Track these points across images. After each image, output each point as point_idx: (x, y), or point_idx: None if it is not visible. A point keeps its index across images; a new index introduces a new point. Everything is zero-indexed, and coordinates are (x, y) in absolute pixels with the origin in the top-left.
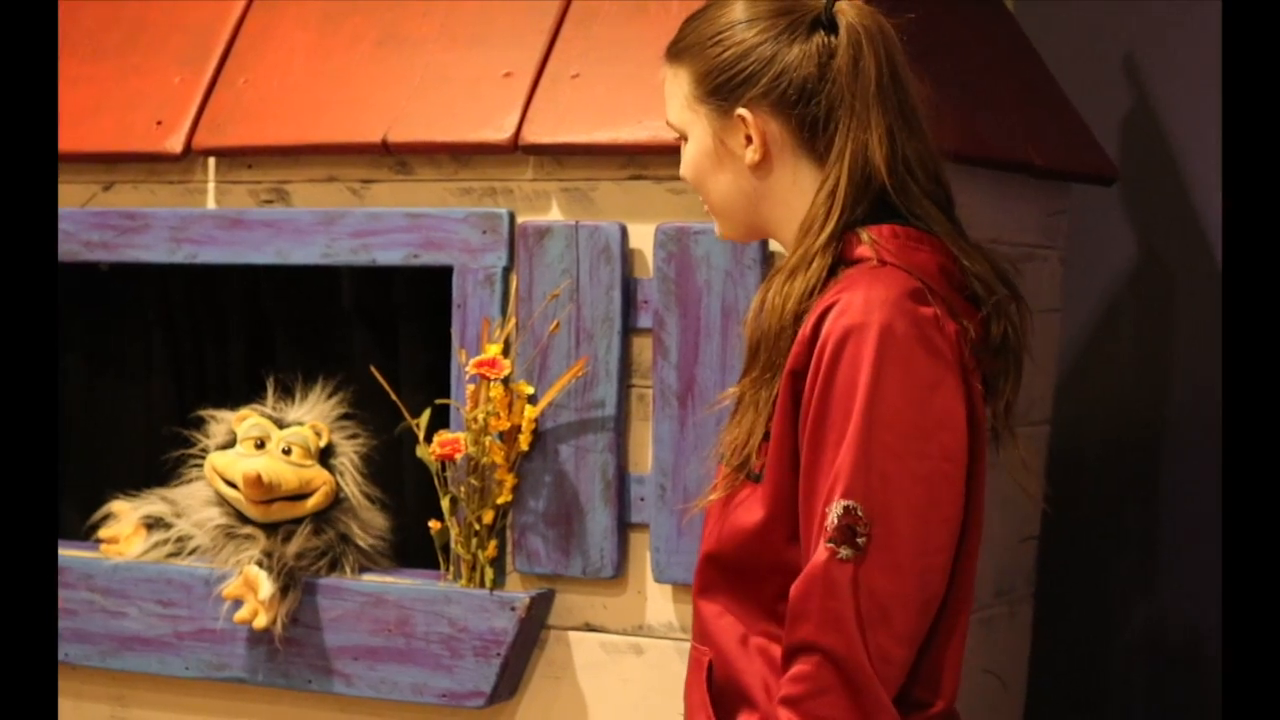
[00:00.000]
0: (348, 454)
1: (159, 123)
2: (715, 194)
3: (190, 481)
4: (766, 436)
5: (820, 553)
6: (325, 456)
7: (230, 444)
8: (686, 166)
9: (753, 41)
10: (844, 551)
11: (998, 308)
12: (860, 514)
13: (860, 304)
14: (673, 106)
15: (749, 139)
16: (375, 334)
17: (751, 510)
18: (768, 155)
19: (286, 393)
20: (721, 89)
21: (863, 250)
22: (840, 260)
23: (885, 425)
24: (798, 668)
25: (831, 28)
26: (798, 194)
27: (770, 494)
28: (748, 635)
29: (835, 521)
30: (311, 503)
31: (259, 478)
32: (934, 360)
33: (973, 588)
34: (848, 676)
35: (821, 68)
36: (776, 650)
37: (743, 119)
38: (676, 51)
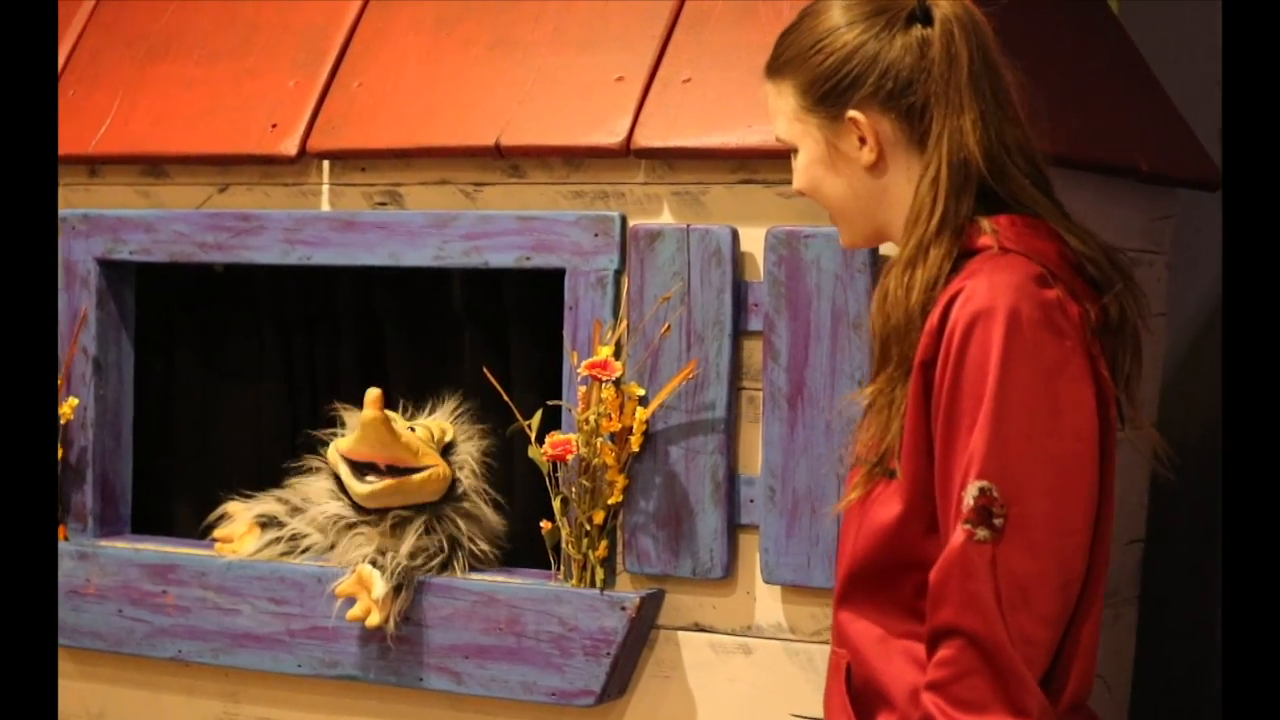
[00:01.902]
0: (469, 453)
1: (274, 125)
2: (833, 200)
3: (314, 476)
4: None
5: (958, 535)
6: (446, 454)
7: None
8: (800, 177)
9: (855, 43)
10: (981, 533)
11: (1116, 295)
12: (995, 495)
13: (985, 290)
14: (780, 122)
15: (862, 140)
16: (486, 335)
17: (889, 505)
18: (882, 154)
19: (413, 411)
20: (829, 95)
21: (984, 239)
22: (963, 251)
23: (1016, 407)
24: (942, 652)
25: (926, 20)
26: (913, 189)
27: (907, 487)
28: (887, 636)
29: (971, 503)
30: (421, 476)
31: (379, 397)
32: (1060, 342)
33: (1105, 573)
34: (990, 658)
35: (919, 59)
36: (918, 648)
37: (855, 121)
38: (777, 67)
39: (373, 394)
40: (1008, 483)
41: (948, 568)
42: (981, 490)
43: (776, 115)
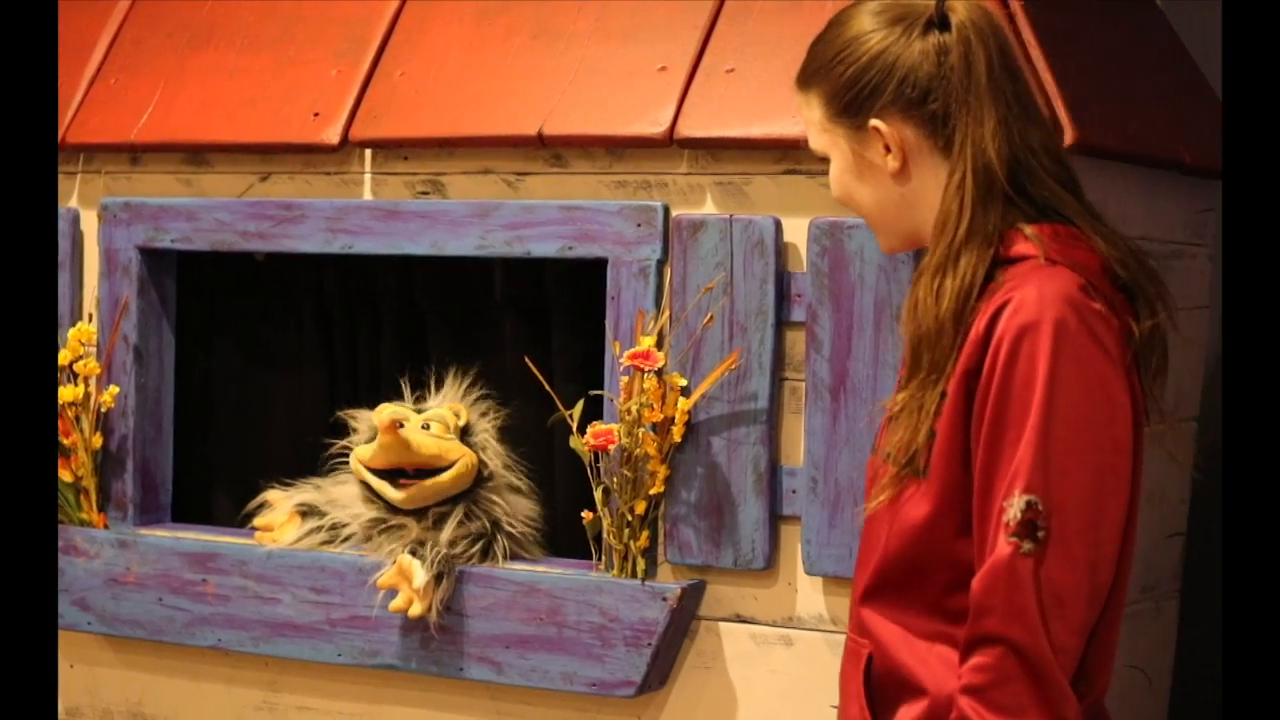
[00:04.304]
0: (486, 430)
1: (316, 114)
2: (865, 208)
3: (341, 481)
4: (933, 434)
5: (1003, 547)
6: (464, 437)
7: (374, 439)
8: (834, 186)
9: (873, 52)
10: (1026, 545)
11: (1147, 298)
12: (1040, 508)
13: (1034, 301)
14: (811, 133)
15: (887, 148)
16: (527, 325)
17: (918, 505)
18: (906, 161)
19: (418, 391)
20: (851, 105)
21: (1027, 247)
22: (1001, 259)
23: (1062, 420)
24: (978, 658)
25: (944, 26)
26: (941, 194)
27: (938, 490)
28: (908, 635)
29: (1018, 516)
30: (451, 474)
31: (393, 421)
32: (1104, 355)
33: (1128, 579)
34: (1031, 666)
35: (938, 65)
36: (943, 648)
37: (877, 130)
38: (805, 78)
39: (384, 420)
40: (1051, 495)
41: (993, 579)
42: (1029, 504)
43: (808, 126)
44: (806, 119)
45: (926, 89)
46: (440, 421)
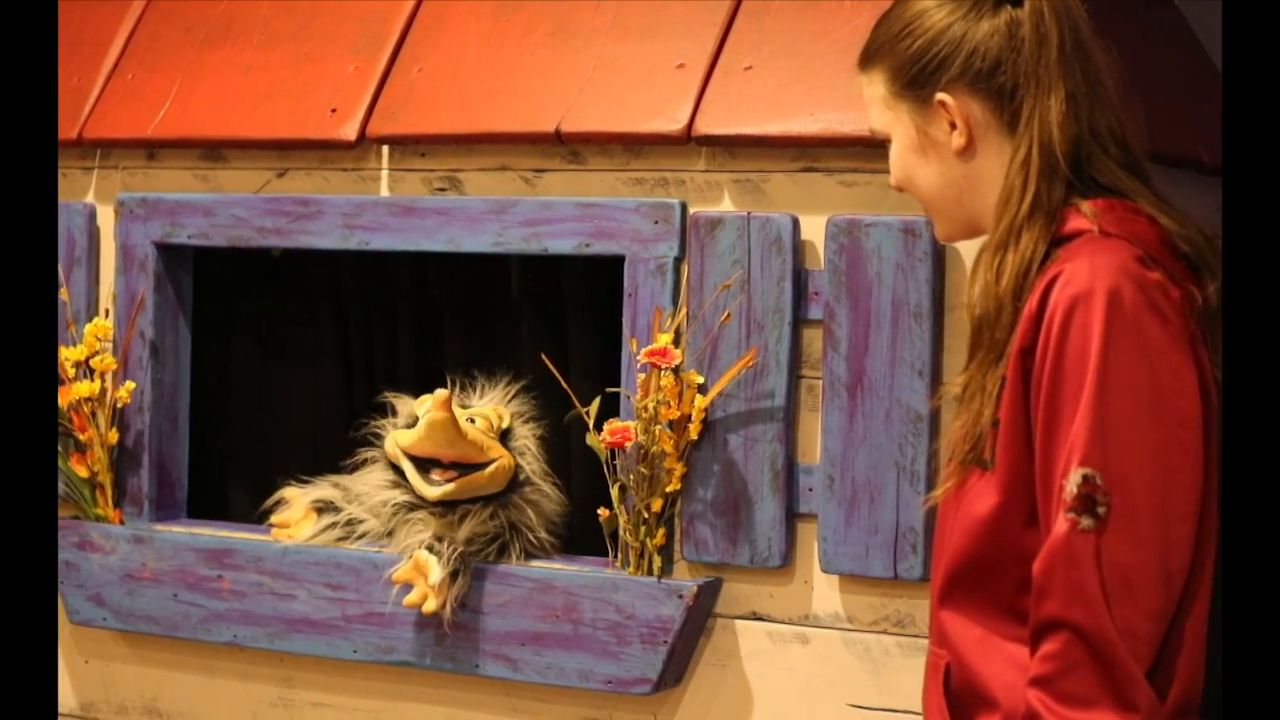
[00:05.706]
0: (527, 437)
1: (333, 110)
2: (926, 189)
3: (367, 467)
4: (996, 422)
5: (1061, 524)
6: (504, 440)
7: (413, 425)
8: (894, 168)
9: (941, 26)
10: (1085, 521)
11: (1212, 270)
12: (1099, 483)
13: (1085, 272)
14: (872, 111)
15: (952, 125)
16: (544, 322)
17: (985, 498)
18: (972, 138)
19: (463, 390)
20: (918, 79)
21: (1082, 223)
22: (1058, 238)
23: (1118, 391)
24: (1046, 646)
25: (1016, 2)
26: (1004, 174)
27: (1003, 478)
28: (986, 635)
29: (1075, 491)
30: (489, 472)
31: (449, 398)
32: (1162, 325)
33: (1211, 566)
34: (1096, 651)
35: (1009, 38)
36: (1018, 651)
37: (943, 104)
38: (867, 57)
39: (441, 396)
40: (1110, 470)
41: (1051, 558)
42: (1085, 478)
43: (869, 105)
44: (868, 98)
45: (997, 61)
46: (485, 418)
